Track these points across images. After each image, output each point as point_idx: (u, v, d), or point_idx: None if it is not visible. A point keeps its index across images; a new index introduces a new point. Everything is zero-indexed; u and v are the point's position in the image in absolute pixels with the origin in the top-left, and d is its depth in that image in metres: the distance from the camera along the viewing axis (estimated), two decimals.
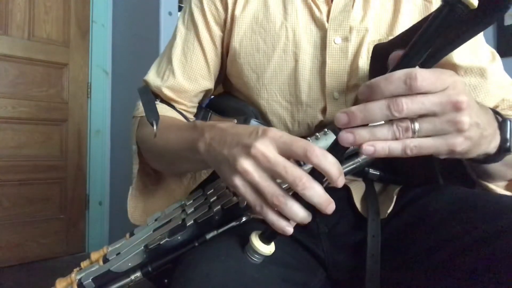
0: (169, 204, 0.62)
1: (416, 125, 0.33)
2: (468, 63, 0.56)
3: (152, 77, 0.64)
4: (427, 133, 0.33)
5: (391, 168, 0.56)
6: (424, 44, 0.32)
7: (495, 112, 0.43)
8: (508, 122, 0.42)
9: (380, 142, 0.33)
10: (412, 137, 0.33)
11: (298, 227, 0.38)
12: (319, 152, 0.34)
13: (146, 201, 0.63)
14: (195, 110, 0.66)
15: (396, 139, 0.33)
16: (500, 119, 0.42)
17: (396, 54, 0.35)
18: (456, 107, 0.32)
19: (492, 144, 0.41)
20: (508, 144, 0.42)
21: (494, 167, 0.46)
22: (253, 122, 0.58)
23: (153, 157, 0.60)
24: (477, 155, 0.40)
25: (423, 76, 0.31)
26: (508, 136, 0.42)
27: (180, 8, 1.79)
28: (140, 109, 0.62)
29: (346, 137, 0.34)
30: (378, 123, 0.34)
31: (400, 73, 0.32)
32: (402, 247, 0.49)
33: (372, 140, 0.33)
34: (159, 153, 0.56)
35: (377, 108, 0.32)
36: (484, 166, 0.46)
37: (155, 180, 0.64)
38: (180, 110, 0.63)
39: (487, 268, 0.38)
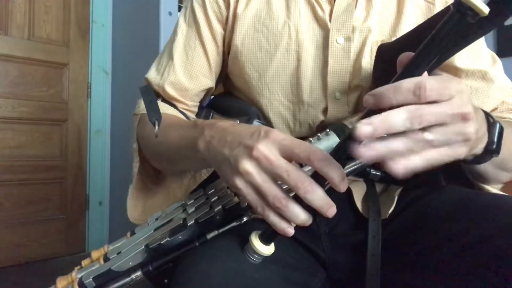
0: (169, 203, 0.62)
1: (429, 136, 0.32)
2: (470, 66, 0.56)
3: (152, 74, 0.64)
4: (439, 144, 0.33)
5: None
6: (433, 51, 0.32)
7: (486, 113, 0.43)
8: (497, 125, 0.42)
9: (404, 161, 0.32)
10: (425, 148, 0.32)
11: (299, 227, 0.38)
12: (322, 156, 0.34)
13: (146, 200, 0.63)
14: (196, 109, 0.66)
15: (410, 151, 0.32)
16: (491, 120, 0.42)
17: (405, 56, 0.34)
18: (464, 118, 0.32)
19: (479, 146, 0.41)
20: (493, 146, 0.41)
21: (484, 168, 0.46)
22: (256, 123, 0.58)
23: (154, 155, 0.59)
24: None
25: (432, 86, 0.31)
26: (495, 138, 0.42)
27: (180, 8, 1.79)
28: (141, 107, 0.62)
29: (369, 154, 0.31)
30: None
31: (409, 83, 0.31)
32: (402, 247, 0.49)
33: (389, 154, 0.32)
34: (159, 151, 0.56)
35: (399, 119, 0.31)
36: (474, 167, 0.47)
37: (155, 179, 0.64)
38: (182, 110, 0.63)
39: (488, 267, 0.38)
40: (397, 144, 0.32)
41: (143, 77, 0.66)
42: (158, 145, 0.54)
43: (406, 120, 0.31)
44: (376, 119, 0.31)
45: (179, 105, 0.63)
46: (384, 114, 0.32)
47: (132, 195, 0.62)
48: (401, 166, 0.32)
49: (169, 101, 0.63)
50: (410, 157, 0.32)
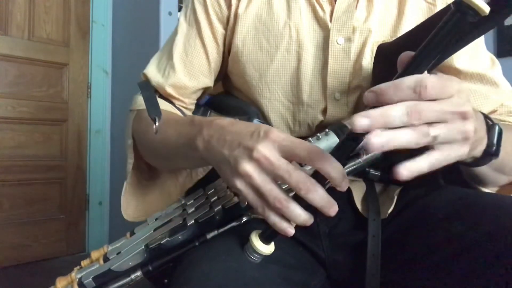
0: (163, 201, 0.62)
1: (433, 131, 0.32)
2: (469, 68, 0.56)
3: (152, 72, 0.63)
4: (442, 140, 0.33)
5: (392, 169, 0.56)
6: (434, 50, 0.32)
7: (485, 116, 0.43)
8: (496, 127, 0.42)
9: (408, 163, 0.32)
10: (430, 142, 0.32)
11: (299, 227, 0.38)
12: (323, 155, 0.34)
13: (140, 197, 0.62)
14: (193, 107, 0.66)
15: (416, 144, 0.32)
16: (490, 123, 0.42)
17: (406, 55, 0.34)
18: (464, 116, 0.32)
19: (479, 148, 0.41)
20: (493, 148, 0.41)
21: (482, 170, 0.46)
22: (256, 121, 0.58)
23: (149, 152, 0.59)
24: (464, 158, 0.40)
25: (433, 84, 0.31)
26: (494, 141, 0.41)
27: (180, 8, 1.79)
28: (138, 102, 0.61)
29: (379, 141, 0.31)
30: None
31: (410, 81, 0.31)
32: (402, 247, 0.49)
33: (396, 143, 0.31)
34: (155, 148, 0.55)
35: (397, 113, 0.31)
36: (472, 170, 0.46)
37: (149, 175, 0.64)
38: (179, 107, 0.63)
39: (487, 267, 0.38)
40: (404, 134, 0.32)
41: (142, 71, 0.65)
42: (155, 142, 0.53)
43: (404, 115, 0.31)
44: (375, 112, 0.31)
45: (176, 103, 0.63)
46: (383, 107, 0.32)
47: (126, 192, 0.61)
48: (405, 168, 0.32)
49: (167, 98, 0.63)
50: (415, 159, 0.32)
